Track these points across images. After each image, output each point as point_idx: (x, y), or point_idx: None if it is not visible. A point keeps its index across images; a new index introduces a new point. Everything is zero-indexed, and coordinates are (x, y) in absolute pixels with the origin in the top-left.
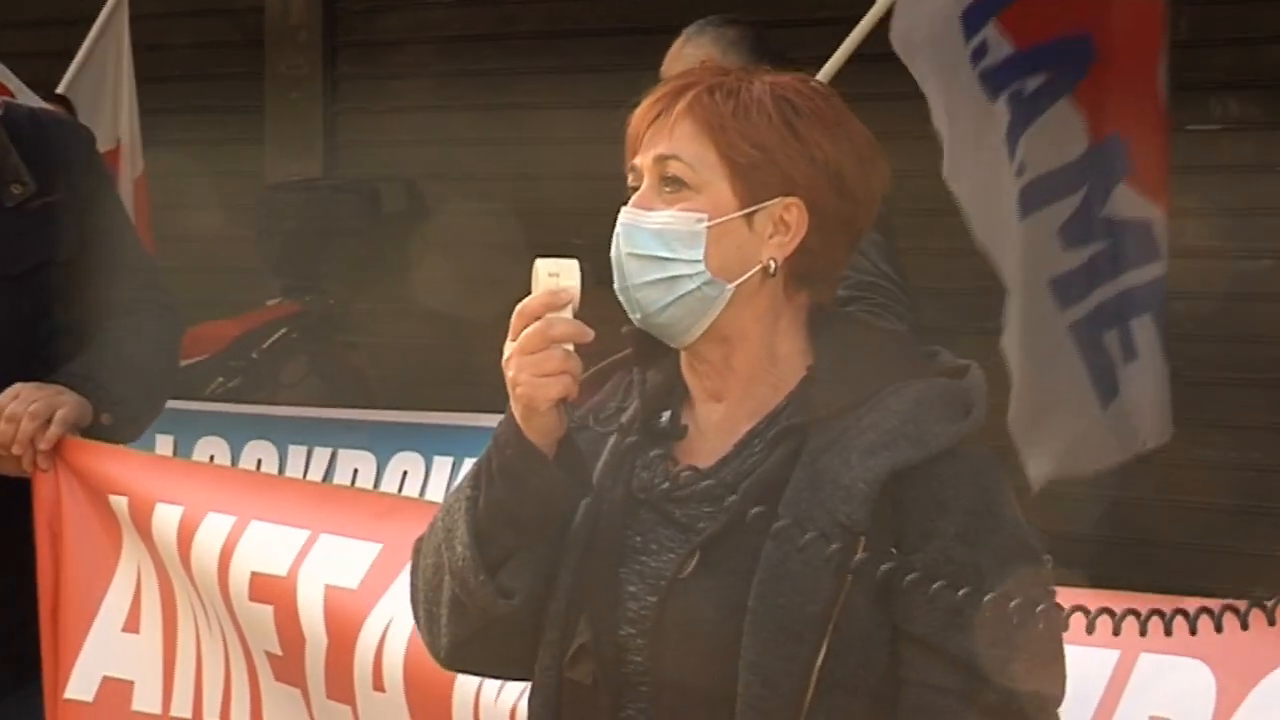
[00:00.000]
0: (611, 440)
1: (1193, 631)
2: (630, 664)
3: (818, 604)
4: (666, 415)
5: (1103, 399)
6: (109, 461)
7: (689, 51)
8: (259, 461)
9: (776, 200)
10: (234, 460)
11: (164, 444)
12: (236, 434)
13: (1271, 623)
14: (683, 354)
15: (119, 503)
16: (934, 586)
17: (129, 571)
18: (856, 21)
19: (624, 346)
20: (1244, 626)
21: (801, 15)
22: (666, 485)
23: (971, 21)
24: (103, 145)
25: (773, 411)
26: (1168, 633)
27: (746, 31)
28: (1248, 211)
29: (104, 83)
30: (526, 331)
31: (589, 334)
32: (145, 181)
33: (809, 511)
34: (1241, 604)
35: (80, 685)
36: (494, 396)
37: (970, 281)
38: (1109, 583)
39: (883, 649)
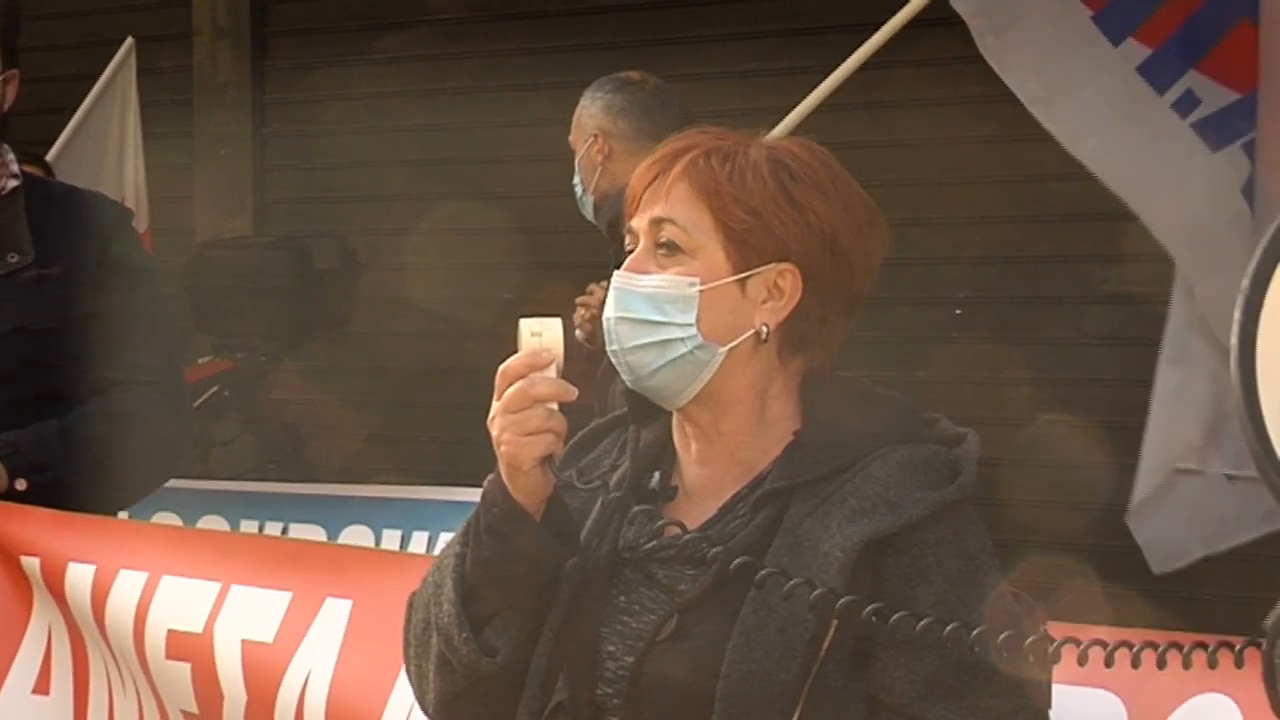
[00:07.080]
0: (600, 499)
1: (1109, 664)
2: None
3: (790, 672)
4: (656, 476)
5: None
6: (20, 522)
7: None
8: None
9: (770, 266)
10: None
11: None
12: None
13: (1186, 666)
14: (674, 416)
15: (30, 564)
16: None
17: (39, 633)
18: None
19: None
20: (1160, 665)
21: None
22: (652, 544)
23: None
24: None
25: (758, 476)
26: (1083, 663)
27: (636, 94)
28: None
29: (107, 138)
30: (509, 392)
31: (573, 392)
32: (150, 238)
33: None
34: (1159, 641)
35: None
36: (425, 453)
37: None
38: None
39: None
